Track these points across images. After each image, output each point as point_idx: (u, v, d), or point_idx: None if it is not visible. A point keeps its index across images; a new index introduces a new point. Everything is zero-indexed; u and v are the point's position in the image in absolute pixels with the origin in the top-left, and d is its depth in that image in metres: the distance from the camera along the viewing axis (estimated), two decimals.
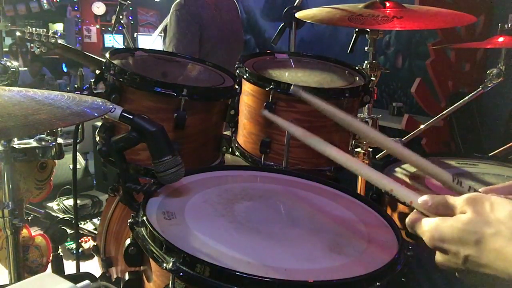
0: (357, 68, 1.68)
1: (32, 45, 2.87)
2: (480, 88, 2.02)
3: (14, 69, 1.79)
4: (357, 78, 1.61)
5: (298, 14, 1.86)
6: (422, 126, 2.17)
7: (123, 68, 1.35)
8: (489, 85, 1.97)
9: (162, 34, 3.68)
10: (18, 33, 2.96)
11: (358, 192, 1.64)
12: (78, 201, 2.54)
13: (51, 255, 1.79)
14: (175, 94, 1.30)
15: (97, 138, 1.40)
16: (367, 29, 1.79)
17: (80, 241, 3.02)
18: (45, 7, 7.17)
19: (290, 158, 1.42)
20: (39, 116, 0.79)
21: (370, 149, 1.81)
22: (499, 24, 1.98)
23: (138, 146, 1.01)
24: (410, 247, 0.88)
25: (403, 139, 1.87)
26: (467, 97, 2.07)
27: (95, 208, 3.60)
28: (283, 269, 0.79)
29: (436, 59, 3.68)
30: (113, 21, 3.71)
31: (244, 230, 0.92)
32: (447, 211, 0.66)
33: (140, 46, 4.92)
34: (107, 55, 1.42)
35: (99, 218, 2.70)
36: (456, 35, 3.63)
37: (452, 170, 1.42)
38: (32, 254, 1.76)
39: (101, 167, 3.91)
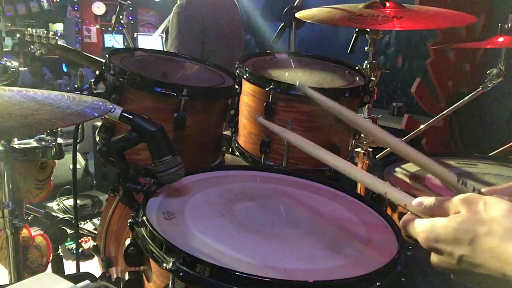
0: (357, 68, 1.68)
1: (32, 46, 2.86)
2: (480, 88, 2.02)
3: (14, 69, 1.79)
4: (357, 78, 1.61)
5: (298, 14, 1.86)
6: (422, 126, 2.17)
7: (123, 68, 1.35)
8: (489, 85, 1.97)
9: (164, 35, 3.68)
10: (18, 35, 2.96)
11: (358, 192, 1.64)
12: (78, 201, 2.54)
13: (51, 255, 1.79)
14: (175, 94, 1.30)
15: (97, 138, 1.40)
16: (367, 29, 1.79)
17: (80, 241, 3.02)
18: (45, 7, 7.16)
19: (290, 158, 1.43)
20: (39, 116, 0.79)
21: (370, 149, 1.81)
22: (499, 24, 1.98)
23: (138, 146, 1.01)
24: (410, 247, 0.88)
25: (403, 139, 1.87)
26: (467, 97, 2.07)
27: (95, 208, 3.60)
28: (283, 269, 0.79)
29: (436, 59, 3.68)
30: (113, 21, 3.71)
31: (244, 230, 0.92)
32: (442, 212, 0.66)
33: (140, 46, 4.92)
34: (107, 55, 1.42)
35: (99, 218, 2.70)
36: (456, 35, 3.63)
37: (452, 170, 1.42)
38: (32, 254, 1.76)
39: (101, 167, 3.91)
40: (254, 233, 0.91)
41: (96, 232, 2.89)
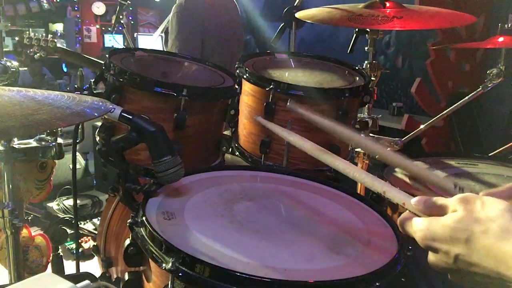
0: (357, 68, 1.68)
1: (31, 50, 2.85)
2: (480, 88, 2.02)
3: (14, 69, 1.79)
4: (357, 78, 1.61)
5: (298, 14, 1.86)
6: (422, 126, 2.17)
7: (123, 68, 1.35)
8: (489, 85, 1.97)
9: (163, 35, 3.68)
10: (17, 38, 2.95)
11: (358, 192, 1.64)
12: (78, 201, 2.54)
13: (51, 255, 1.79)
14: (175, 94, 1.30)
15: (97, 138, 1.40)
16: (367, 29, 1.79)
17: (80, 241, 3.02)
18: (45, 7, 7.16)
19: (290, 158, 1.43)
20: (39, 116, 0.79)
21: None
22: (499, 24, 1.98)
23: (138, 146, 1.01)
24: (410, 247, 0.88)
25: (403, 139, 1.87)
26: (467, 97, 2.07)
27: (95, 208, 3.60)
28: (283, 269, 0.79)
29: (436, 59, 3.68)
30: (113, 21, 3.71)
31: (244, 230, 0.92)
32: (440, 211, 0.66)
33: (140, 46, 4.92)
34: (107, 55, 1.42)
35: (99, 218, 2.70)
36: (456, 35, 3.63)
37: (452, 170, 1.43)
38: (32, 254, 1.76)
39: (101, 167, 3.91)
40: (254, 233, 0.91)
41: (96, 232, 2.90)
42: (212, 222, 0.94)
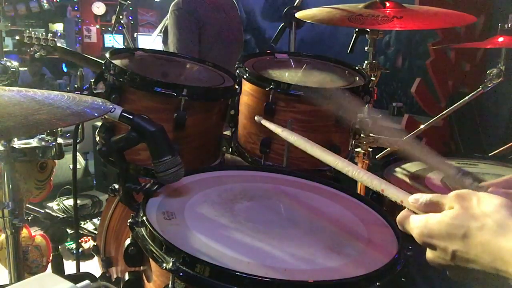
0: (357, 68, 1.68)
1: (31, 48, 2.86)
2: (480, 88, 2.01)
3: (14, 69, 1.80)
4: (357, 78, 1.61)
5: (298, 14, 1.86)
6: (422, 126, 2.17)
7: (123, 68, 1.35)
8: (489, 85, 1.97)
9: (162, 35, 3.68)
10: (17, 37, 2.95)
11: (358, 192, 1.64)
12: (78, 201, 2.54)
13: (51, 255, 1.79)
14: (175, 94, 1.30)
15: (97, 138, 1.40)
16: (367, 29, 1.79)
17: (80, 241, 3.02)
18: (45, 7, 7.15)
19: (290, 158, 1.43)
20: (39, 116, 0.79)
21: (370, 149, 1.81)
22: (499, 24, 1.97)
23: (138, 146, 1.01)
24: (410, 247, 0.88)
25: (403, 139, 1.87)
26: (467, 97, 2.07)
27: (95, 208, 3.60)
28: (283, 269, 0.79)
29: (436, 59, 3.67)
30: (113, 21, 3.71)
31: (244, 230, 0.92)
32: (437, 208, 0.67)
33: (140, 46, 4.92)
34: (107, 55, 1.42)
35: (99, 218, 2.70)
36: (456, 35, 3.62)
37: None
38: (32, 254, 1.76)
39: (101, 167, 3.91)
40: (254, 233, 0.91)
41: (96, 232, 2.90)
42: (212, 222, 0.94)
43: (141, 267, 0.92)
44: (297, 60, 1.74)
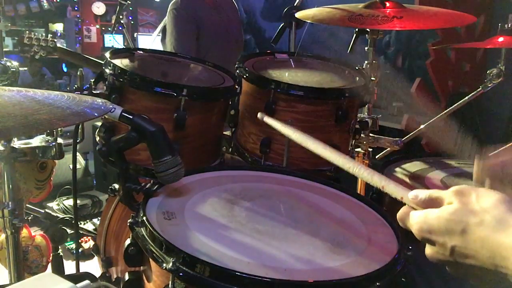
0: (357, 68, 1.68)
1: (31, 49, 2.85)
2: (480, 88, 2.02)
3: (14, 69, 1.79)
4: (357, 78, 1.61)
5: (298, 14, 1.86)
6: (422, 126, 2.17)
7: (123, 68, 1.35)
8: (489, 85, 1.97)
9: (161, 35, 3.68)
10: (17, 38, 2.95)
11: (358, 192, 1.64)
12: (78, 201, 2.54)
13: (51, 255, 1.79)
14: (175, 94, 1.30)
15: (97, 138, 1.40)
16: (367, 29, 1.79)
17: (80, 241, 3.02)
18: (45, 7, 7.15)
19: (290, 158, 1.43)
20: (39, 116, 0.79)
21: (370, 149, 1.81)
22: (499, 24, 1.97)
23: (138, 146, 1.01)
24: (410, 247, 0.88)
25: (403, 139, 1.87)
26: (467, 97, 2.07)
27: (95, 208, 3.60)
28: (283, 269, 0.79)
29: (436, 59, 3.67)
30: (113, 21, 3.71)
31: (244, 230, 0.92)
32: (436, 204, 0.67)
33: (140, 46, 4.91)
34: (107, 55, 1.42)
35: (99, 218, 2.70)
36: (456, 35, 3.62)
37: (452, 170, 1.43)
38: (32, 254, 1.76)
39: (101, 167, 3.91)
40: (254, 233, 0.91)
41: (96, 232, 2.89)
42: (212, 222, 0.94)
43: (141, 267, 0.92)
44: (297, 60, 1.74)
